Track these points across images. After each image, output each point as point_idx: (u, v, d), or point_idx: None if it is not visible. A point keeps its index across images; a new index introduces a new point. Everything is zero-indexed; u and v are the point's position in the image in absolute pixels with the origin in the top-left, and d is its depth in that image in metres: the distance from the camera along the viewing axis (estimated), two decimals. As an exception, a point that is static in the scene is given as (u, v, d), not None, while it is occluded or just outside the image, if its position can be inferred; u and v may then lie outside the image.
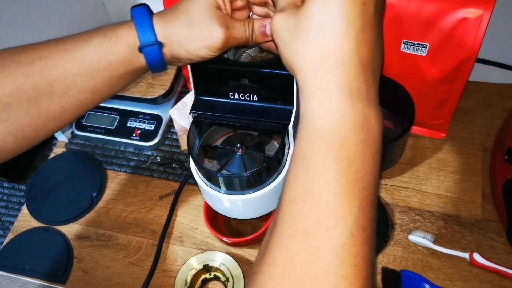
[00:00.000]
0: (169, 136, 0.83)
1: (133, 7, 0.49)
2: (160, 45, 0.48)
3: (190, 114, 0.57)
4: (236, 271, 0.64)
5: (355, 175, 0.33)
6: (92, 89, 0.49)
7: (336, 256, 0.31)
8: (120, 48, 0.48)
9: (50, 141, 0.87)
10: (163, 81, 0.83)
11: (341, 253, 0.32)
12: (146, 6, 0.49)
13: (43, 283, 0.70)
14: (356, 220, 0.33)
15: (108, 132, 0.82)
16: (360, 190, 0.33)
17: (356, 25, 0.34)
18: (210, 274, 0.66)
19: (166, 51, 0.48)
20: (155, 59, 0.48)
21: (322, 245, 0.32)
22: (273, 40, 0.46)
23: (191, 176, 0.73)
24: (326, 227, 0.32)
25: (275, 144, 0.63)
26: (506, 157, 0.62)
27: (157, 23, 0.48)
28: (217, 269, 0.66)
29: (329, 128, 0.34)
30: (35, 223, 0.76)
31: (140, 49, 0.47)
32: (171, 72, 0.84)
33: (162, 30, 0.48)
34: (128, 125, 0.82)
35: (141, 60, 0.48)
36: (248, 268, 0.67)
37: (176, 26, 0.48)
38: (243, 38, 0.49)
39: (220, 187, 0.56)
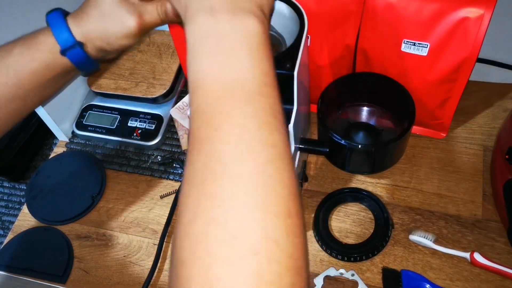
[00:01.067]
0: (170, 136, 0.83)
1: (48, 12, 0.49)
2: (81, 44, 0.48)
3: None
4: (237, 271, 0.64)
5: (232, 74, 0.33)
6: (22, 96, 0.50)
7: (228, 146, 0.31)
8: (42, 54, 0.48)
9: (50, 140, 0.87)
10: (164, 81, 0.83)
11: (232, 143, 0.31)
12: (60, 10, 0.49)
13: (43, 283, 0.70)
14: (242, 111, 0.32)
15: (108, 131, 0.82)
16: (241, 85, 0.33)
17: None
18: (210, 274, 0.66)
19: (90, 48, 0.49)
20: (81, 59, 0.49)
21: (215, 143, 0.32)
22: (174, 22, 0.49)
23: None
24: (215, 127, 0.32)
25: (276, 143, 0.62)
26: (507, 156, 0.62)
27: (72, 24, 0.48)
28: (217, 269, 0.66)
29: (200, 45, 0.35)
30: (35, 223, 0.76)
31: (63, 53, 0.48)
32: (171, 71, 0.84)
33: (79, 30, 0.48)
34: (129, 124, 0.82)
35: (66, 62, 0.49)
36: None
37: (91, 23, 0.48)
38: (157, 21, 0.50)
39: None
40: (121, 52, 0.52)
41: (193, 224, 0.30)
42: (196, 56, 0.35)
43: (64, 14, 0.49)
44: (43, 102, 0.52)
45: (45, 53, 0.48)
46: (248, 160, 0.31)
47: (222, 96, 0.33)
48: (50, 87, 0.51)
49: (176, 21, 0.51)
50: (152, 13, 0.49)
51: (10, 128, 0.54)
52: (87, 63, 0.50)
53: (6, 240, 0.75)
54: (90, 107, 0.85)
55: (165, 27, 0.88)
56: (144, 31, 0.50)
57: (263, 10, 0.38)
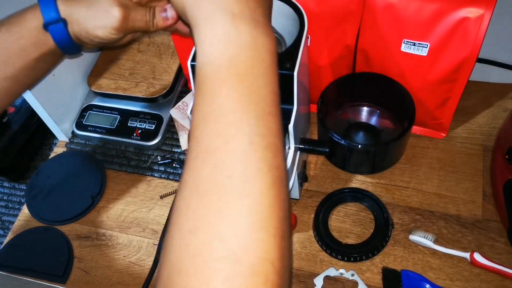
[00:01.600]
0: (170, 136, 0.83)
1: None
2: (64, 22, 0.48)
3: (190, 113, 0.57)
4: (237, 271, 0.64)
5: (248, 89, 0.34)
6: (12, 76, 0.51)
7: (238, 162, 0.31)
8: (28, 31, 0.49)
9: (50, 140, 0.87)
10: (164, 81, 0.83)
11: (242, 159, 0.31)
12: None
13: (43, 283, 0.70)
14: (253, 128, 0.33)
15: (108, 131, 0.82)
16: (256, 102, 0.34)
17: None
18: (210, 274, 0.66)
19: (70, 30, 0.49)
20: (62, 37, 0.49)
21: (223, 156, 0.32)
22: (174, 24, 0.50)
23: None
24: (225, 139, 0.32)
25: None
26: (507, 156, 0.62)
27: (60, 1, 0.49)
28: (217, 269, 0.66)
29: (217, 51, 0.34)
30: (35, 223, 0.76)
31: (45, 27, 0.48)
32: (171, 71, 0.84)
33: (64, 7, 0.49)
34: (129, 124, 0.82)
35: (50, 40, 0.49)
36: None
37: (76, 3, 0.49)
38: (142, 21, 0.50)
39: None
40: (97, 46, 0.52)
41: (195, 235, 0.30)
42: (211, 59, 0.35)
43: None
44: (34, 83, 0.54)
45: (31, 29, 0.49)
46: (257, 179, 0.31)
47: (236, 110, 0.33)
48: (39, 67, 0.52)
49: (163, 29, 0.52)
50: (139, 11, 0.50)
51: (4, 109, 0.54)
52: (68, 43, 0.50)
53: (6, 240, 0.75)
54: (90, 107, 0.85)
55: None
56: (125, 28, 0.50)
57: (270, 22, 0.38)
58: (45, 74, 0.53)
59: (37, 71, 0.53)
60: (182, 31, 0.55)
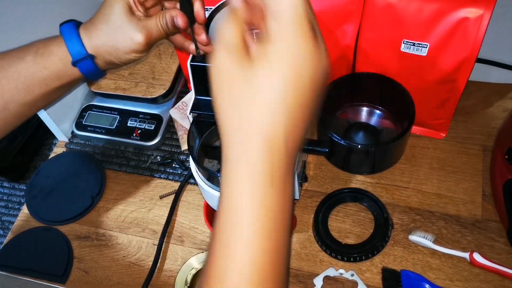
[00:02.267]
0: (169, 136, 0.83)
1: (62, 24, 0.52)
2: (92, 57, 0.50)
3: (190, 114, 0.57)
4: (236, 271, 0.64)
5: (271, 249, 0.34)
6: (30, 101, 0.53)
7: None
8: (53, 63, 0.50)
9: (50, 141, 0.87)
10: (163, 81, 0.83)
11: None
12: (74, 22, 0.52)
13: (43, 283, 0.70)
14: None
15: (108, 132, 0.82)
16: (274, 262, 0.34)
17: (292, 105, 0.33)
18: (210, 274, 0.66)
19: (99, 61, 0.51)
20: (90, 71, 0.51)
21: None
22: (176, 33, 0.52)
23: (191, 176, 0.73)
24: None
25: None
26: (506, 156, 0.62)
27: (84, 36, 0.51)
28: (217, 269, 0.66)
29: (247, 208, 0.34)
30: (35, 223, 0.76)
31: (74, 64, 0.50)
32: (171, 72, 0.84)
33: (90, 43, 0.51)
34: (128, 125, 0.82)
35: (76, 72, 0.51)
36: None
37: (100, 37, 0.51)
38: (162, 34, 0.52)
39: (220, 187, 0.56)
40: (128, 64, 0.55)
41: None
42: (241, 186, 0.34)
43: (77, 25, 0.52)
44: (47, 106, 0.55)
45: (56, 62, 0.50)
46: None
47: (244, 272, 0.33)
48: (57, 93, 0.54)
49: (177, 32, 0.53)
50: (156, 27, 0.51)
51: (13, 129, 0.57)
52: (96, 74, 0.52)
53: (6, 240, 0.75)
54: (90, 107, 0.85)
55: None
56: (151, 46, 0.52)
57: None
58: (57, 99, 0.56)
59: (53, 97, 0.55)
60: (183, 47, 0.55)
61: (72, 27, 0.51)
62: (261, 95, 0.32)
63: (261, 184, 0.33)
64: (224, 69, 0.34)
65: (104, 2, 0.52)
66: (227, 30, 0.34)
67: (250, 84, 0.32)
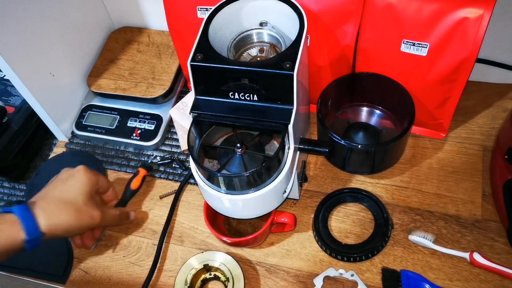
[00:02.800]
0: (169, 136, 0.83)
1: (12, 204, 0.57)
2: (43, 236, 0.56)
3: (190, 114, 0.57)
4: (236, 271, 0.64)
5: None
6: None
7: None
8: (0, 240, 0.54)
9: (50, 141, 0.87)
10: (163, 81, 0.83)
11: None
12: (24, 204, 0.57)
13: (43, 283, 0.70)
14: None
15: (108, 132, 0.82)
16: None
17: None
18: (210, 274, 0.66)
19: (47, 237, 0.57)
20: (36, 245, 0.57)
21: None
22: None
23: (191, 176, 0.73)
24: None
25: (275, 143, 0.62)
26: (506, 157, 0.62)
27: (41, 218, 0.56)
28: (217, 269, 0.66)
29: None
30: (35, 223, 0.76)
31: (27, 242, 0.55)
32: (171, 72, 0.84)
33: (47, 223, 0.56)
34: (128, 125, 0.82)
35: (20, 245, 0.55)
36: (248, 268, 0.67)
37: (61, 218, 0.58)
38: (112, 221, 0.66)
39: (220, 187, 0.56)
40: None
41: None
42: None
43: (30, 207, 0.57)
44: None
45: (5, 240, 0.54)
46: None
47: None
48: None
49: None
50: (111, 211, 0.65)
51: None
52: (38, 246, 0.57)
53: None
54: (90, 107, 0.85)
55: (165, 27, 0.89)
56: (98, 226, 0.63)
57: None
58: None
59: None
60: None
61: (26, 209, 0.56)
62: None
63: None
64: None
65: (65, 187, 0.61)
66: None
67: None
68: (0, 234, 0.54)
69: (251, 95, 0.54)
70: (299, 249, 0.68)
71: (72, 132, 0.86)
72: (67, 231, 0.59)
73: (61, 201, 0.59)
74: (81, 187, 0.61)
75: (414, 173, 0.72)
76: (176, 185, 0.77)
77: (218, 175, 0.54)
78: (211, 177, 0.56)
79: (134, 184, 0.75)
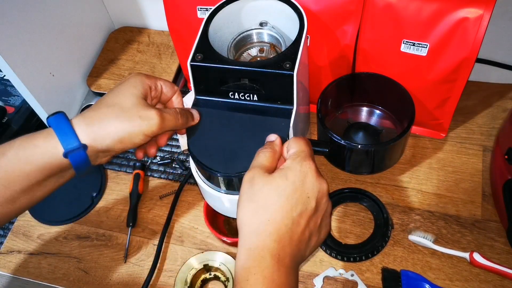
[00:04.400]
0: (169, 136, 0.83)
1: (49, 116, 0.49)
2: (85, 147, 0.48)
3: (190, 114, 0.57)
4: (236, 271, 0.64)
5: None
6: (10, 198, 0.48)
7: None
8: (37, 157, 0.47)
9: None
10: (163, 81, 0.83)
11: None
12: (62, 113, 0.49)
13: (43, 283, 0.70)
14: None
15: (108, 132, 0.82)
16: None
17: (289, 219, 0.43)
18: (210, 274, 0.66)
19: (91, 151, 0.48)
20: (82, 161, 0.48)
21: None
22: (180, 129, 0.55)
23: (191, 176, 0.73)
24: None
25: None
26: (506, 157, 0.62)
27: (80, 125, 0.48)
28: (217, 269, 0.66)
29: (259, 283, 0.41)
30: (35, 223, 0.76)
31: (65, 155, 0.47)
32: (171, 72, 0.84)
33: (87, 131, 0.48)
34: (128, 125, 0.82)
35: (64, 164, 0.48)
36: (248, 268, 0.67)
37: (105, 122, 0.48)
38: (173, 121, 0.51)
39: (220, 187, 0.56)
40: (111, 158, 0.53)
41: None
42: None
43: (66, 116, 0.49)
44: (32, 205, 0.51)
45: (41, 156, 0.47)
46: None
47: None
48: (41, 190, 0.50)
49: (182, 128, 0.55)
50: (171, 115, 0.51)
51: None
52: (85, 165, 0.49)
53: (6, 240, 0.75)
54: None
55: (165, 27, 0.89)
56: (162, 129, 0.50)
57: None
58: (47, 194, 0.52)
59: (38, 194, 0.50)
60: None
61: (62, 118, 0.48)
62: (272, 191, 0.44)
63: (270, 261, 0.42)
64: (252, 177, 0.45)
65: (112, 93, 0.51)
66: (262, 155, 0.47)
67: (267, 183, 0.44)
68: (34, 149, 0.47)
69: (251, 95, 0.54)
70: (299, 249, 0.68)
71: (72, 132, 0.86)
72: (120, 140, 0.48)
73: (105, 105, 0.49)
74: (130, 88, 0.51)
75: (414, 173, 0.72)
76: (176, 185, 0.77)
77: (218, 175, 0.54)
78: (211, 177, 0.56)
79: (140, 188, 0.75)
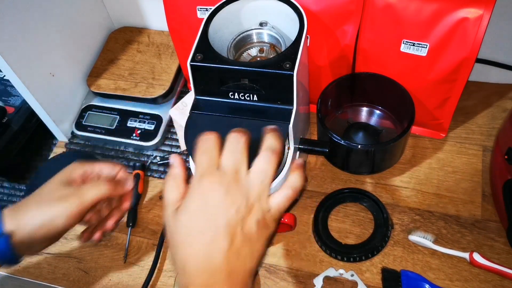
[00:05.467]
0: (169, 136, 0.83)
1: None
2: (7, 236, 0.48)
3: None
4: (236, 271, 0.64)
5: None
6: None
7: None
8: None
9: (50, 141, 0.87)
10: (163, 81, 0.83)
11: None
12: None
13: (43, 283, 0.70)
14: None
15: (108, 132, 0.82)
16: None
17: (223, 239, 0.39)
18: (210, 274, 0.66)
19: (17, 239, 0.49)
20: (3, 249, 0.49)
21: None
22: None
23: (191, 176, 0.73)
24: None
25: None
26: (506, 157, 0.62)
27: (8, 215, 0.49)
28: (217, 269, 0.66)
29: None
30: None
31: None
32: (171, 72, 0.84)
33: (13, 219, 0.49)
34: (128, 125, 0.82)
35: None
36: (248, 268, 0.67)
37: (25, 209, 0.50)
38: (97, 191, 0.53)
39: (220, 187, 0.56)
40: (42, 248, 0.53)
41: None
42: None
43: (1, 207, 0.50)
44: None
45: None
46: None
47: None
48: None
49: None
50: (91, 186, 0.53)
51: None
52: (9, 254, 0.49)
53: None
54: (90, 108, 0.85)
55: (165, 27, 0.89)
56: (86, 209, 0.52)
57: None
58: None
59: None
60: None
61: None
62: (182, 230, 0.40)
63: None
64: (167, 220, 0.42)
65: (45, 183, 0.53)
66: (166, 189, 0.43)
67: (175, 224, 0.41)
68: None
69: (251, 95, 0.54)
70: (299, 249, 0.68)
71: (72, 132, 0.86)
72: (40, 226, 0.49)
73: (33, 193, 0.52)
74: (57, 176, 0.53)
75: (414, 173, 0.72)
76: (176, 185, 0.77)
77: (218, 175, 0.54)
78: (211, 177, 0.56)
79: (140, 188, 0.75)
